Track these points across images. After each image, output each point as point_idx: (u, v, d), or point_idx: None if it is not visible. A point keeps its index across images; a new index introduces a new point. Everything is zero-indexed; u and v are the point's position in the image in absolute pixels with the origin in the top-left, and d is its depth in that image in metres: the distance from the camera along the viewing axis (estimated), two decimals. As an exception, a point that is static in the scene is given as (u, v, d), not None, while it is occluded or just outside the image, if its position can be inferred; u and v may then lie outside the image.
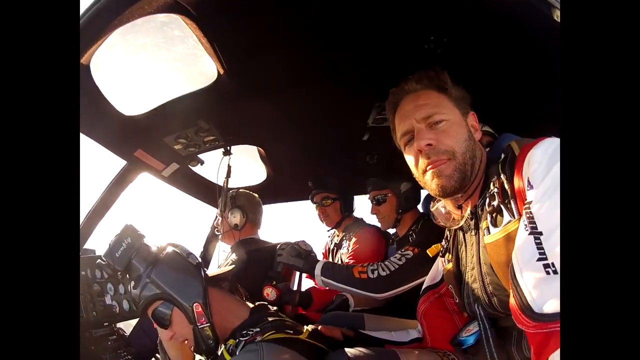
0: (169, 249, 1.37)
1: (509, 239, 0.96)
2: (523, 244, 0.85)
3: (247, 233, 2.33)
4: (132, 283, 1.34)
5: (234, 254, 2.27)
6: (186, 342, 1.33)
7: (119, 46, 1.30)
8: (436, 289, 1.44)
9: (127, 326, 2.22)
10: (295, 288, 2.07)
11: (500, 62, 1.40)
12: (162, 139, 1.98)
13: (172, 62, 1.44)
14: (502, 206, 1.00)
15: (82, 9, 1.08)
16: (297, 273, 2.15)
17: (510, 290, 0.87)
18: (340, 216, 2.52)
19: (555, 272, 0.77)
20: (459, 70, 1.30)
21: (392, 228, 2.24)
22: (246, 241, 2.30)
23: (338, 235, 2.59)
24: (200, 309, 1.28)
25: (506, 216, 0.98)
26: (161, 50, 1.38)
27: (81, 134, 1.64)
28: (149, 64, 1.45)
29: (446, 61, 1.29)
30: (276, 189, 2.88)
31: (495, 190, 1.01)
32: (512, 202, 0.97)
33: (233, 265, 1.87)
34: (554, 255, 0.78)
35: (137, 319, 2.22)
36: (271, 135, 2.20)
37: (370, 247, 2.26)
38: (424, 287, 1.49)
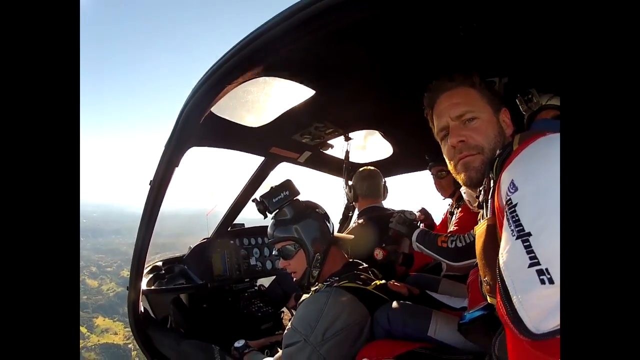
0: (315, 213, 1.87)
1: (481, 234, 1.04)
2: (511, 251, 0.79)
3: (365, 203, 2.71)
4: (273, 221, 1.88)
5: (358, 219, 2.70)
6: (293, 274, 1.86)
7: (237, 90, 1.66)
8: None
9: (267, 282, 2.96)
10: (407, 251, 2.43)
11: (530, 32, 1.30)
12: (290, 137, 2.41)
13: (277, 87, 1.77)
14: (484, 203, 1.08)
15: (200, 74, 1.47)
16: None
17: (497, 296, 0.82)
18: (453, 188, 2.73)
19: (550, 280, 0.69)
20: (493, 51, 1.39)
21: None
22: (367, 209, 2.68)
23: (453, 205, 2.81)
24: (319, 257, 1.80)
25: (485, 213, 1.06)
26: (267, 82, 1.73)
27: (229, 150, 2.31)
28: (261, 92, 1.84)
29: (480, 45, 1.37)
30: (400, 163, 3.18)
31: (484, 187, 1.08)
32: (490, 201, 1.01)
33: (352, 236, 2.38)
34: (547, 259, 0.71)
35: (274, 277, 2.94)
36: (382, 120, 2.39)
37: (473, 217, 2.37)
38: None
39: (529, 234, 0.75)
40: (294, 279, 1.88)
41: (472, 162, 1.16)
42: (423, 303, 1.71)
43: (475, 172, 1.15)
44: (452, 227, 2.50)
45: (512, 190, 0.84)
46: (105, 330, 44.89)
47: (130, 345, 41.11)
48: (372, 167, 2.82)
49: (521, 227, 0.77)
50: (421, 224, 2.75)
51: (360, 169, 2.81)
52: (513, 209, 0.81)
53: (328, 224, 1.88)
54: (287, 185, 1.88)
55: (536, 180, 0.81)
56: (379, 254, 2.16)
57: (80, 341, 41.48)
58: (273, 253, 3.14)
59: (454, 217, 2.65)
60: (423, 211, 2.93)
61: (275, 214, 1.89)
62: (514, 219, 0.80)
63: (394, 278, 2.05)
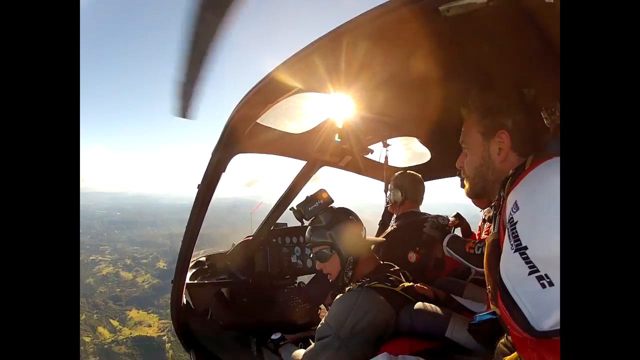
0: (348, 219, 1.98)
1: (487, 247, 1.14)
2: (511, 262, 0.91)
3: (407, 207, 2.78)
4: (309, 227, 2.02)
5: (394, 223, 2.80)
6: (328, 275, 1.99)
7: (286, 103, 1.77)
8: None
9: (307, 280, 3.09)
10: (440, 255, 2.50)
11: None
12: (331, 143, 2.47)
13: (316, 98, 1.83)
14: (493, 218, 1.18)
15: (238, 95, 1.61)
16: None
17: (499, 301, 0.94)
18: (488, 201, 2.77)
19: (550, 283, 0.80)
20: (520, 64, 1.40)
21: None
22: (406, 214, 2.77)
23: (485, 214, 2.85)
24: (351, 260, 1.92)
25: (493, 228, 1.15)
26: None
27: (276, 156, 2.46)
28: (304, 105, 1.94)
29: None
30: (438, 169, 3.18)
31: (495, 204, 1.19)
32: (497, 216, 1.12)
33: (384, 239, 2.46)
34: (544, 266, 0.82)
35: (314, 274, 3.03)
36: (419, 129, 2.46)
37: None
38: None
39: (526, 248, 0.86)
40: (330, 280, 2.01)
41: (465, 184, 1.39)
42: (447, 306, 1.80)
43: (467, 192, 1.39)
44: (483, 235, 2.56)
45: (515, 210, 0.94)
46: (138, 322, 45.65)
47: (164, 338, 41.41)
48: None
49: (519, 242, 0.88)
50: (456, 229, 2.81)
51: (411, 172, 2.88)
52: (514, 226, 0.92)
53: (360, 230, 1.99)
54: (322, 195, 2.04)
55: (535, 201, 0.92)
56: (412, 256, 2.27)
57: (111, 335, 42.56)
58: (312, 255, 3.23)
59: (485, 225, 2.70)
60: (458, 216, 2.99)
61: (311, 220, 2.03)
62: (513, 235, 0.91)
63: (425, 280, 2.14)
